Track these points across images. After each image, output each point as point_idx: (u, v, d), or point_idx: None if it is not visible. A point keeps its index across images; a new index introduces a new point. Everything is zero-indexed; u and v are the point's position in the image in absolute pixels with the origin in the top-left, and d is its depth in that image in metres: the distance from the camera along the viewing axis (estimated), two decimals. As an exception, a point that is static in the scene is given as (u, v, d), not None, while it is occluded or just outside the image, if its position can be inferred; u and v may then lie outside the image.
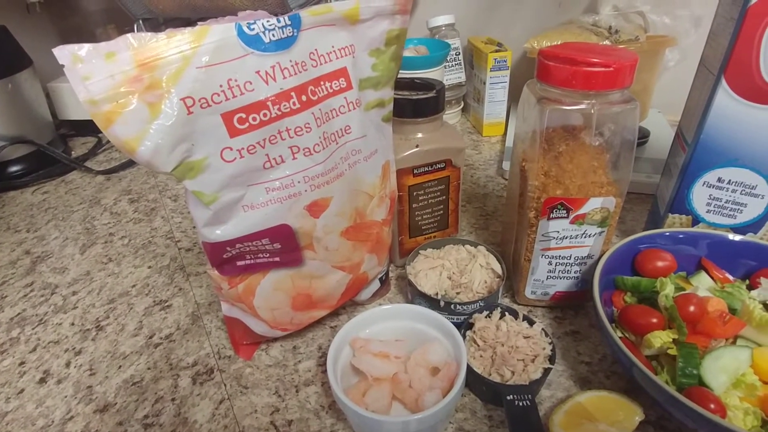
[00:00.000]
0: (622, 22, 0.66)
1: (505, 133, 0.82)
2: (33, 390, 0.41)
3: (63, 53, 0.25)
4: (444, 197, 0.48)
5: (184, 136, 0.28)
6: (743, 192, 0.42)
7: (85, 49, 0.25)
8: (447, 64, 0.81)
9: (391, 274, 0.50)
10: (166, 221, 0.64)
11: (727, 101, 0.39)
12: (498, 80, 0.77)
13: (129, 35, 0.26)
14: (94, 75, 0.25)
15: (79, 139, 0.92)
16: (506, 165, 0.68)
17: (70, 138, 0.91)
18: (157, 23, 0.77)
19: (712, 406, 0.30)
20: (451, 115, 0.86)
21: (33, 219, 0.66)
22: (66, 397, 0.40)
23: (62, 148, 0.83)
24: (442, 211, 0.49)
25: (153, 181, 0.75)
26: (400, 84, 0.45)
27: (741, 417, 0.31)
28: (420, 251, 0.47)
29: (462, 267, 0.45)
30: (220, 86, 0.28)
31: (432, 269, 0.45)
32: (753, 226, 0.43)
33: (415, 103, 0.43)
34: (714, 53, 0.40)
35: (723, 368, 0.32)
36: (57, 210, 0.68)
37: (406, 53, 0.76)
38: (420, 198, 0.47)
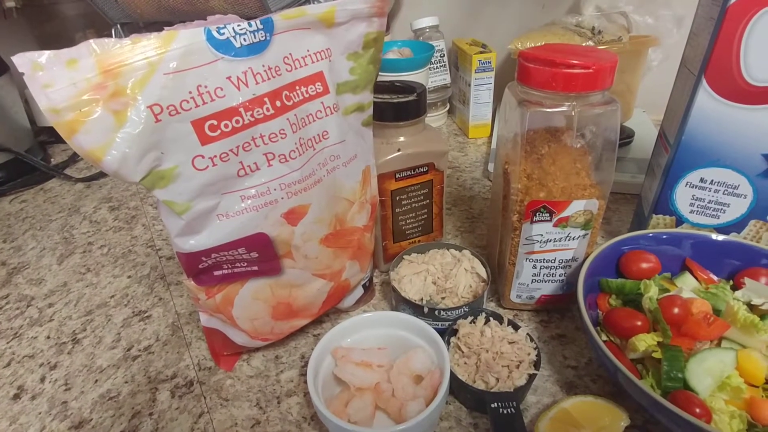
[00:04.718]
0: (605, 23, 0.66)
1: (491, 135, 0.81)
2: (6, 406, 0.40)
3: (22, 60, 0.24)
4: (427, 201, 0.47)
5: (152, 145, 0.27)
6: (726, 192, 0.42)
7: (45, 56, 0.24)
8: (431, 66, 0.81)
9: (375, 280, 0.50)
10: (147, 229, 0.63)
11: (708, 101, 0.38)
12: (483, 82, 0.77)
13: (92, 41, 0.25)
14: (56, 83, 0.24)
15: (59, 146, 0.90)
16: (492, 167, 0.67)
17: (49, 145, 0.90)
18: (136, 27, 0.76)
19: (698, 410, 0.30)
20: (437, 118, 0.86)
21: (10, 229, 0.65)
22: (40, 413, 0.39)
23: (41, 155, 0.81)
24: (425, 216, 0.48)
25: (134, 188, 0.74)
26: (381, 87, 0.44)
27: (727, 421, 0.30)
28: (404, 256, 0.46)
29: (447, 271, 0.44)
30: (190, 93, 0.27)
31: (416, 274, 0.44)
32: (736, 225, 0.43)
33: (396, 106, 0.42)
34: (695, 53, 0.40)
35: (708, 371, 0.32)
36: (35, 219, 0.67)
37: (391, 55, 0.75)
38: (403, 202, 0.46)
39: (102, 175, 0.78)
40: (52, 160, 0.84)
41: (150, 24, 0.76)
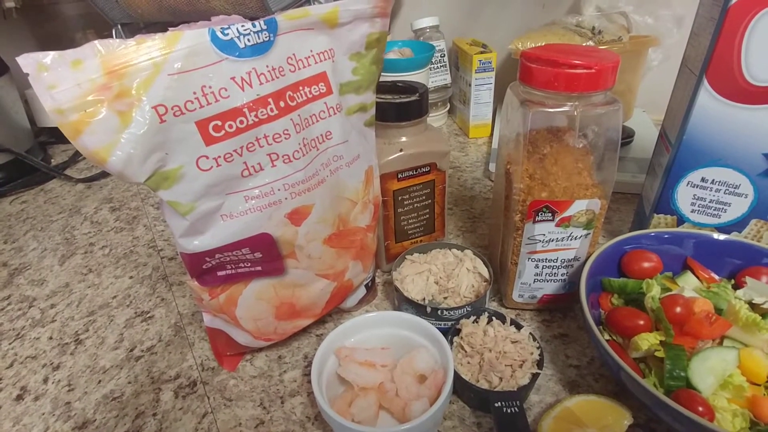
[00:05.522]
0: (605, 23, 0.66)
1: (491, 135, 0.81)
2: (9, 407, 0.40)
3: (27, 61, 0.24)
4: (429, 201, 0.48)
5: (157, 145, 0.28)
6: (727, 191, 0.42)
7: (50, 56, 0.24)
8: (432, 66, 0.81)
9: (378, 280, 0.50)
10: (149, 230, 0.62)
11: (709, 101, 0.39)
12: (483, 82, 0.77)
13: (96, 42, 0.25)
14: (61, 83, 0.24)
15: (59, 147, 0.90)
16: (493, 167, 0.67)
17: (50, 146, 0.90)
18: (136, 28, 0.76)
19: (701, 408, 0.30)
20: (438, 118, 0.86)
21: (11, 230, 0.65)
22: (43, 414, 0.39)
23: (41, 156, 0.81)
24: (428, 215, 0.49)
25: (135, 188, 0.74)
26: (383, 87, 0.44)
27: (729, 419, 0.30)
28: (406, 256, 0.46)
29: (449, 271, 0.44)
30: (194, 93, 0.27)
31: (419, 274, 0.44)
32: (737, 225, 0.43)
33: (398, 106, 0.42)
34: (695, 53, 0.40)
35: (710, 370, 0.32)
36: (35, 220, 0.67)
37: (391, 56, 0.75)
38: (405, 202, 0.46)
39: (103, 175, 0.78)
40: (52, 160, 0.84)
41: (150, 24, 0.76)
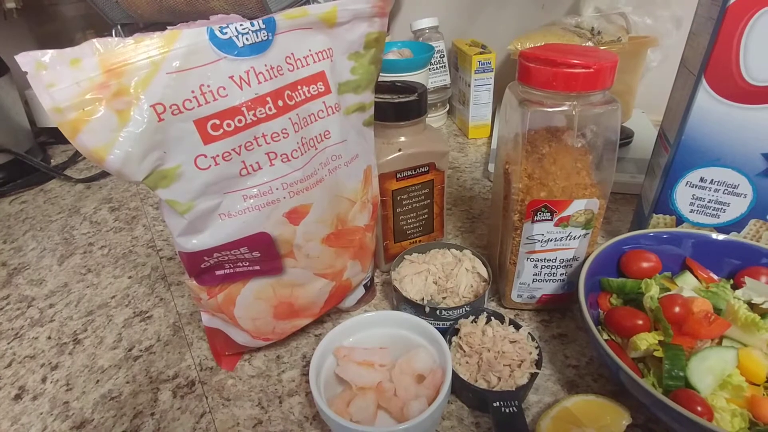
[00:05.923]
0: (604, 24, 0.66)
1: (490, 136, 0.81)
2: (8, 407, 0.39)
3: (26, 60, 0.24)
4: (428, 201, 0.48)
5: (155, 144, 0.28)
6: (726, 191, 0.42)
7: (48, 55, 0.24)
8: (431, 66, 0.81)
9: (376, 280, 0.50)
10: (148, 229, 0.62)
11: (708, 101, 0.39)
12: (482, 82, 0.77)
13: (95, 40, 0.25)
14: (59, 82, 0.24)
15: (59, 147, 0.90)
16: (492, 167, 0.67)
17: (50, 146, 0.90)
18: (136, 28, 0.76)
19: (699, 408, 0.30)
20: (437, 118, 0.86)
21: (10, 230, 0.65)
22: (42, 414, 0.39)
23: (41, 156, 0.81)
24: (426, 215, 0.49)
25: (134, 188, 0.74)
26: (382, 87, 0.44)
27: (728, 419, 0.30)
28: (405, 256, 0.46)
29: (448, 271, 0.44)
30: (192, 92, 0.27)
31: (417, 274, 0.44)
32: (736, 225, 0.43)
33: (397, 106, 0.42)
34: (694, 53, 0.40)
35: (709, 369, 0.32)
36: (35, 220, 0.67)
37: (390, 56, 0.75)
38: (404, 202, 0.46)
39: (102, 175, 0.78)
40: (52, 160, 0.84)
41: (150, 25, 0.76)
